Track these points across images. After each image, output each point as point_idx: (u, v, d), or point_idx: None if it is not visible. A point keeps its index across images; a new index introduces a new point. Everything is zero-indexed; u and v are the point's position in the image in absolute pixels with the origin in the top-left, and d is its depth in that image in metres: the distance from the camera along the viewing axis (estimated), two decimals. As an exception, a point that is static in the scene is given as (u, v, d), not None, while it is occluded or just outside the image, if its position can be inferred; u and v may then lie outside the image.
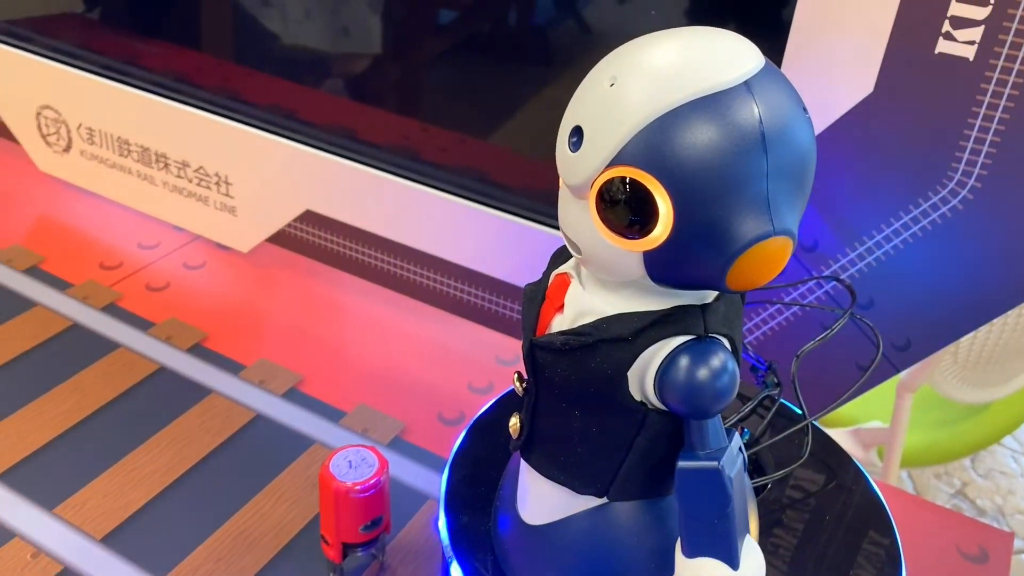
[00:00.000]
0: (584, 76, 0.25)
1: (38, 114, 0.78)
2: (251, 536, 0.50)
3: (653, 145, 0.23)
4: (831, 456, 0.39)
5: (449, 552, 0.33)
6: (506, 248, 0.60)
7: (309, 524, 0.51)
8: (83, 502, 0.51)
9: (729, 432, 0.26)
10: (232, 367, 0.62)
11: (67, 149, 0.78)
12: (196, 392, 0.60)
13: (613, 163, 0.24)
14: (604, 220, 0.25)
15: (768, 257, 0.23)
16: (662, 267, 0.25)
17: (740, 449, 0.26)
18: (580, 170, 0.25)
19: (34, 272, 0.70)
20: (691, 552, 0.26)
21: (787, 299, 0.48)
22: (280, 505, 0.52)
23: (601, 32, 0.55)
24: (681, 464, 0.26)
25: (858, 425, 0.96)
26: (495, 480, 0.36)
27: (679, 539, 0.26)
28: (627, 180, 0.24)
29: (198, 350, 0.64)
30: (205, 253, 0.74)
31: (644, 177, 0.23)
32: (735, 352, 0.26)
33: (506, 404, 0.40)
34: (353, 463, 0.45)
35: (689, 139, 0.23)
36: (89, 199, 0.80)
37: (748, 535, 0.26)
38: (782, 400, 0.41)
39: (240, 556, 0.49)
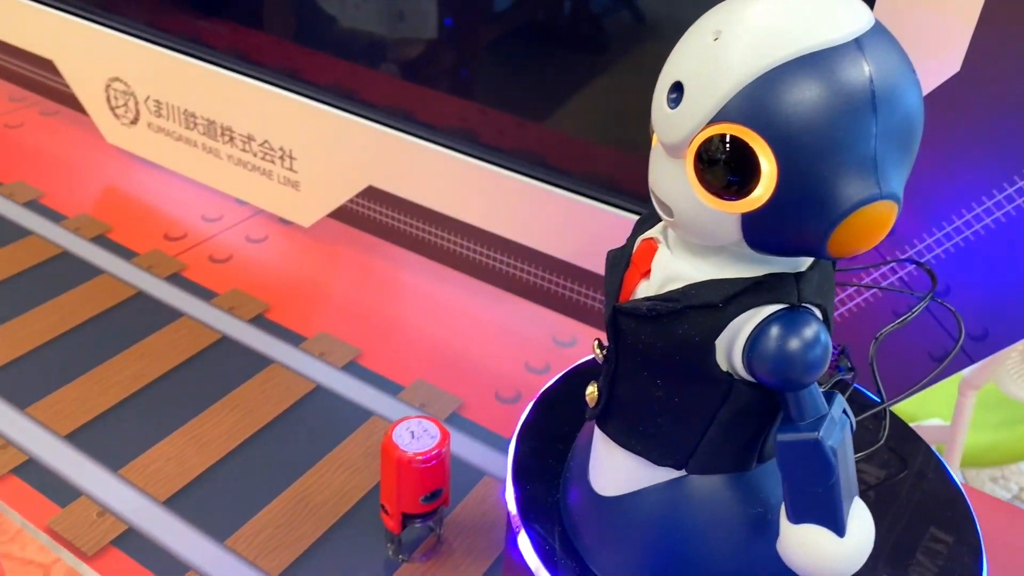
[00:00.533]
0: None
1: (107, 86, 0.79)
2: (311, 503, 0.51)
3: (758, 102, 0.22)
4: (907, 444, 0.38)
5: (517, 522, 0.32)
6: (566, 227, 0.59)
7: (368, 494, 0.52)
8: (147, 465, 0.52)
9: (831, 396, 0.25)
10: (293, 339, 0.63)
11: (134, 121, 0.79)
12: (258, 362, 0.61)
13: (714, 120, 0.23)
14: (702, 180, 0.24)
15: (873, 221, 0.22)
16: (761, 231, 0.24)
17: (845, 411, 0.25)
18: (679, 127, 0.24)
19: (101, 241, 0.72)
20: (796, 518, 0.25)
21: (863, 282, 0.47)
22: (340, 474, 0.53)
23: (655, 21, 0.54)
24: (780, 436, 0.25)
25: (918, 422, 0.94)
26: (562, 452, 0.35)
27: (783, 504, 0.26)
28: (729, 138, 0.23)
29: (260, 321, 0.64)
30: (267, 227, 0.75)
31: (747, 134, 0.22)
32: (827, 323, 0.25)
33: (572, 378, 0.39)
34: (415, 433, 0.45)
35: (796, 96, 0.22)
36: (155, 171, 0.81)
37: (857, 498, 0.26)
38: (856, 386, 0.40)
39: (300, 523, 0.50)
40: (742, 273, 0.25)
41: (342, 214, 0.71)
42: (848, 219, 0.22)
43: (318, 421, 0.56)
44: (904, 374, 0.47)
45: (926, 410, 0.97)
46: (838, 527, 0.25)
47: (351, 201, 0.70)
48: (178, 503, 0.50)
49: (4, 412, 0.55)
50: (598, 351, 0.29)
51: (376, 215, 0.69)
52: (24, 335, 0.61)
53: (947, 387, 0.88)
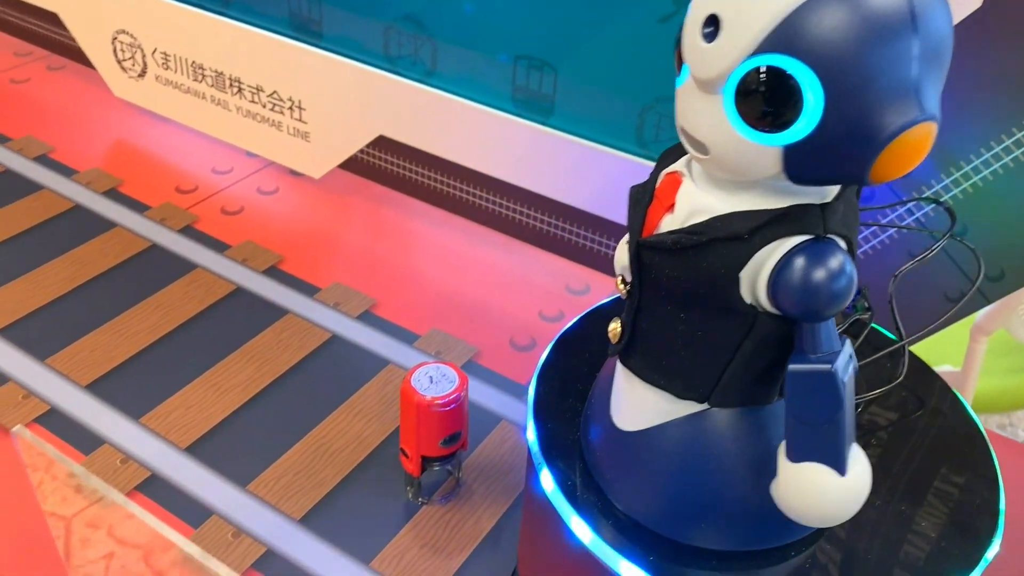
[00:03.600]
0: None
1: (114, 39, 0.79)
2: (330, 450, 0.51)
3: (799, 31, 0.22)
4: (924, 382, 0.38)
5: (539, 458, 0.33)
6: (579, 174, 0.59)
7: (386, 440, 0.52)
8: (167, 413, 0.53)
9: (840, 338, 0.26)
10: (307, 289, 0.63)
11: (142, 74, 0.79)
12: (273, 312, 0.61)
13: (755, 52, 0.23)
14: (743, 114, 0.23)
15: (916, 144, 0.22)
16: (803, 163, 0.23)
17: (851, 356, 0.26)
18: (716, 61, 0.23)
19: (113, 194, 0.72)
20: (797, 456, 0.26)
21: (883, 221, 0.46)
22: (358, 421, 0.53)
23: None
24: (793, 367, 0.25)
25: (928, 369, 0.94)
26: (581, 392, 0.36)
27: (784, 443, 0.26)
28: (771, 70, 0.22)
29: (274, 272, 0.65)
30: (278, 179, 0.75)
31: (791, 65, 0.22)
32: (852, 254, 0.25)
33: (590, 320, 0.39)
34: (434, 378, 0.45)
35: (838, 22, 0.21)
36: (163, 124, 0.81)
37: (855, 444, 0.26)
38: (873, 324, 0.40)
39: (320, 468, 0.50)
40: (767, 204, 0.25)
41: (353, 165, 0.71)
42: (892, 144, 0.22)
43: (334, 370, 0.57)
44: (919, 315, 0.47)
45: (937, 356, 0.98)
46: (840, 465, 0.25)
47: (362, 151, 0.69)
48: (199, 450, 0.51)
49: (25, 363, 0.56)
50: (621, 287, 0.29)
51: (387, 165, 0.69)
52: (41, 288, 0.61)
53: (958, 333, 0.88)
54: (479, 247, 0.68)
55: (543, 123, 0.59)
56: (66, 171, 0.74)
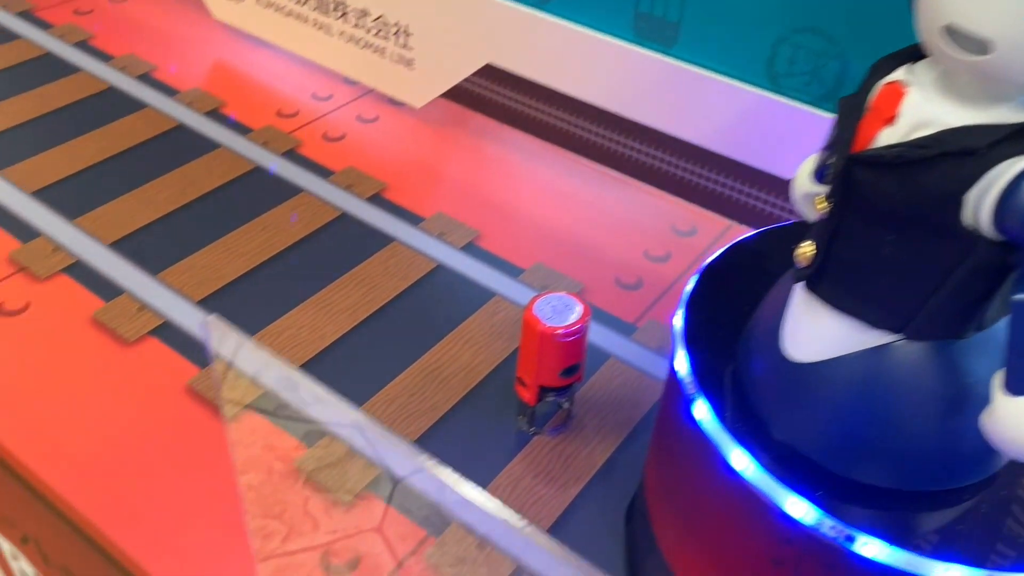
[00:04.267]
0: None
1: (215, -41, 0.78)
2: (441, 375, 0.51)
3: None
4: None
5: (692, 388, 0.32)
6: (700, 109, 0.57)
7: (495, 370, 0.52)
8: (279, 332, 0.53)
9: None
10: (411, 218, 0.63)
11: (243, -4, 0.78)
12: (379, 239, 0.61)
13: None
14: None
15: None
16: None
17: None
18: None
19: (215, 115, 0.71)
20: (1018, 389, 0.24)
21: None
22: (467, 349, 0.53)
23: None
24: (1018, 297, 0.24)
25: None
26: (731, 322, 0.34)
27: (1002, 373, 0.25)
28: None
29: (378, 200, 0.64)
30: (377, 107, 0.74)
31: None
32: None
33: (737, 252, 0.38)
34: (557, 308, 0.45)
35: None
36: (262, 48, 0.80)
37: None
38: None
39: (432, 393, 0.50)
40: (1004, 119, 0.23)
41: (455, 94, 0.69)
42: None
43: (440, 299, 0.57)
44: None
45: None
46: None
47: (467, 80, 0.68)
48: (313, 369, 0.51)
49: (139, 279, 0.56)
50: (820, 206, 0.28)
51: (491, 95, 0.68)
52: (151, 204, 0.62)
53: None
54: (583, 183, 0.67)
55: (665, 53, 0.57)
56: (168, 90, 0.74)
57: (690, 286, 0.37)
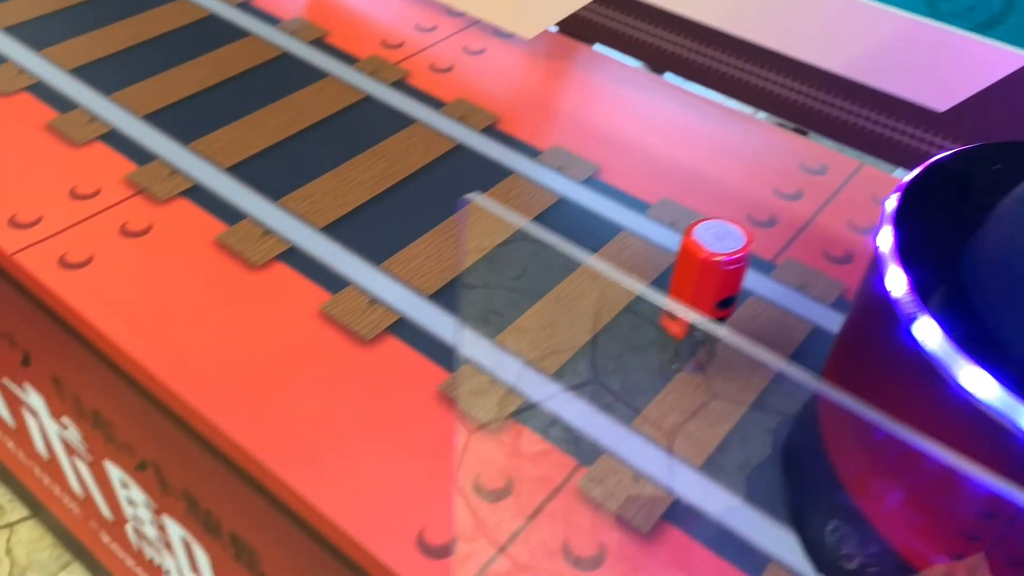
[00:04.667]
0: None
1: None
2: (577, 307, 0.49)
3: None
4: None
5: (912, 308, 0.30)
6: (842, 35, 0.54)
7: (630, 305, 0.50)
8: (407, 261, 0.52)
9: None
10: (528, 151, 0.61)
11: (343, -76, 0.75)
12: (496, 172, 0.59)
13: None
14: None
15: None
16: None
17: None
18: None
19: (319, 44, 0.70)
20: None
21: None
22: (598, 282, 0.51)
23: None
24: None
25: None
26: (946, 239, 0.32)
27: None
28: None
29: (492, 132, 0.62)
30: (484, 39, 0.72)
31: None
32: None
33: (935, 171, 0.36)
34: (718, 234, 0.43)
35: None
36: (359, -20, 0.78)
37: None
38: None
39: (567, 325, 0.48)
40: None
41: (569, 24, 0.67)
42: None
43: (566, 232, 0.55)
44: None
45: None
46: None
47: (585, 9, 0.65)
48: (444, 298, 0.50)
49: (259, 204, 0.55)
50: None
51: (605, 20, 0.65)
52: (263, 130, 0.60)
53: None
54: (701, 118, 0.64)
55: (812, -22, 0.54)
56: (269, 19, 0.72)
57: (892, 204, 0.34)
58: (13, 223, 0.52)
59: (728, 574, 0.38)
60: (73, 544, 0.85)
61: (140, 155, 0.57)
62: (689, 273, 0.43)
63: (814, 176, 0.60)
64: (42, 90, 0.62)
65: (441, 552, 0.38)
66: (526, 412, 0.44)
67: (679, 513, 0.40)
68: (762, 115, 1.15)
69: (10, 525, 0.96)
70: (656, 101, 0.66)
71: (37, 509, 0.90)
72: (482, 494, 0.40)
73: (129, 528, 0.65)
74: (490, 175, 0.58)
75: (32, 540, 0.94)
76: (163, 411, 0.47)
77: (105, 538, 0.73)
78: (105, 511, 0.68)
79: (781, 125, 0.62)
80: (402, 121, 0.62)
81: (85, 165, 0.56)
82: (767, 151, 0.62)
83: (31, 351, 0.58)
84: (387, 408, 0.44)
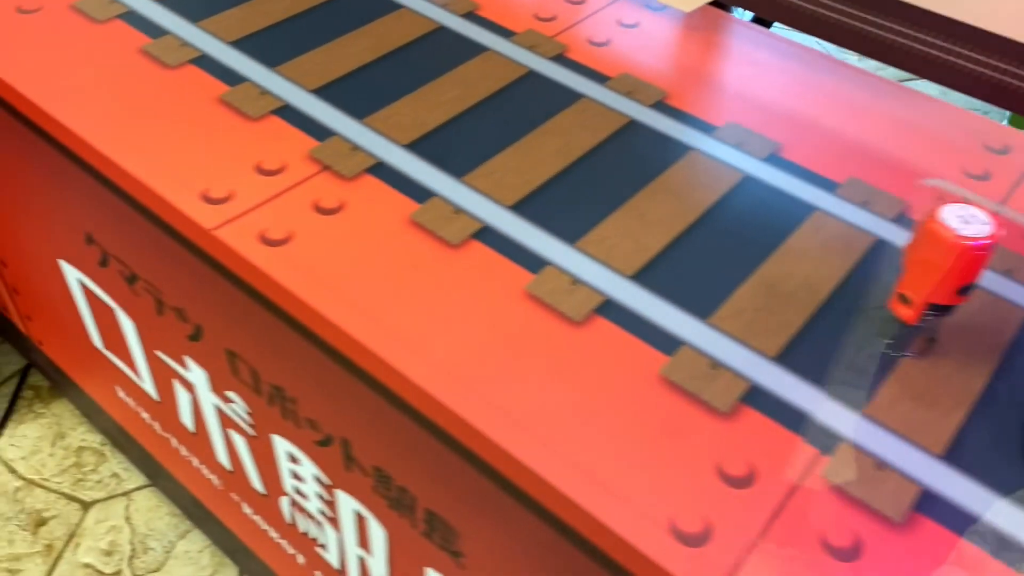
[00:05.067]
0: None
1: None
2: (783, 290, 0.48)
3: None
4: None
5: None
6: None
7: (837, 287, 0.49)
8: (600, 241, 0.51)
9: None
10: (703, 127, 0.59)
11: None
12: (674, 148, 0.57)
13: None
14: None
15: None
16: None
17: None
18: None
19: (472, 18, 0.68)
20: None
21: None
22: (802, 264, 0.50)
23: None
24: None
25: None
26: None
27: None
28: None
29: (662, 107, 0.61)
30: (637, 13, 0.70)
31: None
32: None
33: None
34: (964, 219, 0.41)
35: None
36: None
37: None
38: None
39: (778, 309, 0.47)
40: None
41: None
42: None
43: (755, 211, 0.53)
44: None
45: None
46: None
47: (754, -18, 0.64)
48: (647, 279, 0.49)
49: (446, 181, 0.54)
50: None
51: (779, -1, 0.63)
52: (437, 105, 0.59)
53: None
54: (876, 97, 0.62)
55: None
56: (416, -9, 0.71)
57: None
58: (207, 198, 0.52)
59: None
60: (198, 513, 0.85)
61: (318, 131, 0.57)
62: (933, 257, 0.41)
63: (999, 156, 0.58)
64: (207, 62, 0.62)
65: (695, 540, 0.38)
66: (756, 395, 0.43)
67: (928, 502, 0.40)
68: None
69: (127, 493, 0.97)
70: (826, 78, 0.64)
71: (157, 478, 0.91)
72: (728, 481, 0.40)
73: (284, 501, 0.66)
74: (668, 152, 0.57)
75: (150, 508, 0.95)
76: (375, 388, 0.46)
77: (247, 509, 0.73)
78: (256, 483, 0.68)
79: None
80: (569, 97, 0.61)
81: (264, 140, 0.56)
82: (948, 131, 0.60)
83: (204, 325, 0.58)
84: (607, 389, 0.43)
